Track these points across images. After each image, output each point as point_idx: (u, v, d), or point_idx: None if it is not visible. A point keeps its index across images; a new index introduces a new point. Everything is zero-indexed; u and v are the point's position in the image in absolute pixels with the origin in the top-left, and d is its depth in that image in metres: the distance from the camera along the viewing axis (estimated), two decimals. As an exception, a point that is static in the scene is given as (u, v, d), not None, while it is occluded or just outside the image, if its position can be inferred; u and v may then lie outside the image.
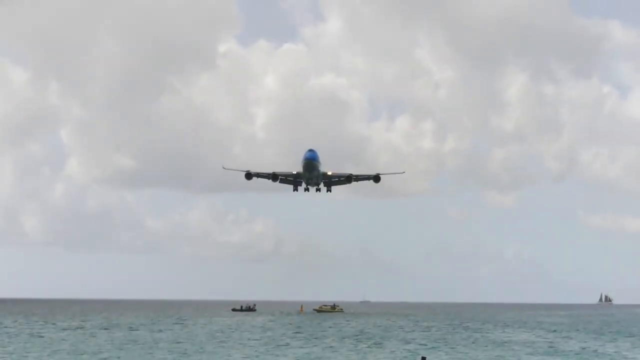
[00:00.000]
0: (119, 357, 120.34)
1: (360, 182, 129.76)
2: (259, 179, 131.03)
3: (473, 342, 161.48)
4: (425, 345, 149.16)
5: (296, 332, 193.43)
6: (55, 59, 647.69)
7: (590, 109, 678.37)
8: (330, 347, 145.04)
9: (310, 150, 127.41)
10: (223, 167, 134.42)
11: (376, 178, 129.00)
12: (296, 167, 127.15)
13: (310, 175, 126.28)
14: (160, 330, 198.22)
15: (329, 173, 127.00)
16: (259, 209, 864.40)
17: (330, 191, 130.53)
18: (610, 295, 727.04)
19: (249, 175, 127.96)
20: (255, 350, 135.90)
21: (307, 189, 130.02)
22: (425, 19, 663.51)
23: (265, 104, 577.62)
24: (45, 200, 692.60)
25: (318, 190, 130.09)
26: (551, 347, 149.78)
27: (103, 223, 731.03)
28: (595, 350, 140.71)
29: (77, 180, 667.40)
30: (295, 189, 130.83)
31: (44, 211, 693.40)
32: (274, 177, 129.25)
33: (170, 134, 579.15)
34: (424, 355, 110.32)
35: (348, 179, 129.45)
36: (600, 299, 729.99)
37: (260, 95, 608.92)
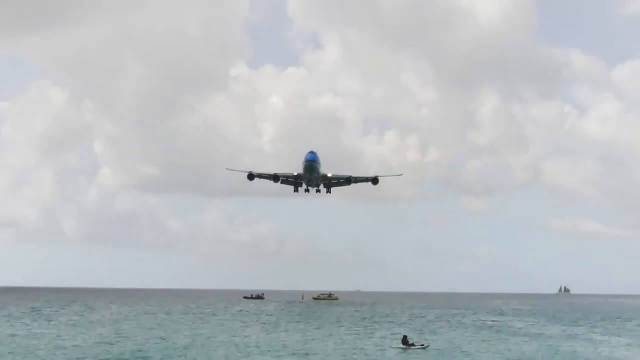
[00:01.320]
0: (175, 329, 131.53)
1: (358, 185, 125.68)
2: (261, 179, 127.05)
3: (448, 322, 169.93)
4: (409, 325, 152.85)
5: (297, 316, 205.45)
6: (90, 82, 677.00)
7: (553, 126, 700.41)
8: (327, 329, 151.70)
9: (312, 152, 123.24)
10: (226, 169, 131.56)
11: (375, 180, 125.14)
12: (297, 170, 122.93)
13: (311, 176, 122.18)
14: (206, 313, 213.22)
15: (329, 175, 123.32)
16: (265, 212, 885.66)
17: (330, 192, 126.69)
18: (568, 287, 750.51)
19: (251, 177, 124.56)
20: (263, 330, 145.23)
21: (307, 190, 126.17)
22: (410, 48, 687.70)
23: (271, 121, 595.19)
24: (81, 204, 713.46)
25: (318, 191, 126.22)
26: (511, 328, 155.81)
27: (130, 223, 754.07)
28: (564, 332, 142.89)
29: (108, 186, 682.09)
30: (296, 190, 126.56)
31: (80, 213, 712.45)
32: (275, 178, 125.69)
33: (188, 146, 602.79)
34: (405, 334, 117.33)
35: (347, 180, 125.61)
36: (560, 290, 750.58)
37: (267, 113, 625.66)
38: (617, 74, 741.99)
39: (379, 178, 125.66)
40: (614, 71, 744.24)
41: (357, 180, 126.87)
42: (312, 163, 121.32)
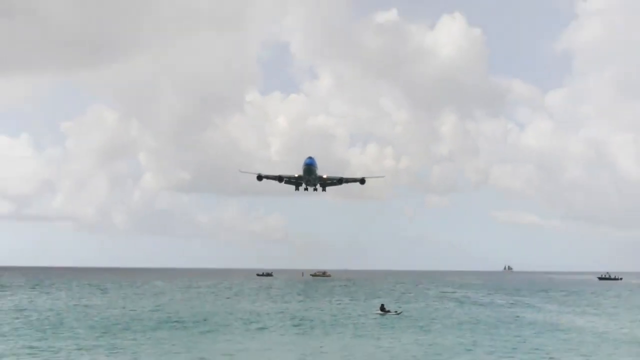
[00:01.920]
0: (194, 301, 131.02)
1: (348, 185, 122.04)
2: (268, 180, 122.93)
3: (417, 293, 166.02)
4: (386, 296, 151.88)
5: (298, 289, 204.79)
6: (135, 105, 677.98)
7: (498, 139, 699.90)
8: (321, 299, 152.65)
9: (310, 157, 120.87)
10: (239, 171, 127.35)
11: (362, 180, 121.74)
12: (298, 172, 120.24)
13: (309, 177, 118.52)
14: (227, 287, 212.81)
15: (324, 176, 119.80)
16: (273, 207, 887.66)
17: (325, 190, 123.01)
18: (511, 265, 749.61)
19: (259, 177, 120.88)
20: (271, 300, 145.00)
21: (306, 189, 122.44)
22: (387, 78, 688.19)
23: (277, 137, 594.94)
24: (128, 202, 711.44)
25: (315, 189, 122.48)
26: (467, 297, 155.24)
27: (167, 217, 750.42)
28: (507, 300, 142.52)
29: (149, 188, 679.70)
30: (297, 189, 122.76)
31: (127, 209, 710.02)
32: (279, 178, 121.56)
33: (212, 156, 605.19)
34: (382, 303, 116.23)
35: (339, 181, 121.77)
36: (504, 268, 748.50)
37: (274, 130, 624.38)
38: (549, 99, 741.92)
39: (366, 179, 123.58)
40: (547, 96, 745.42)
41: (348, 180, 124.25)
42: (310, 166, 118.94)
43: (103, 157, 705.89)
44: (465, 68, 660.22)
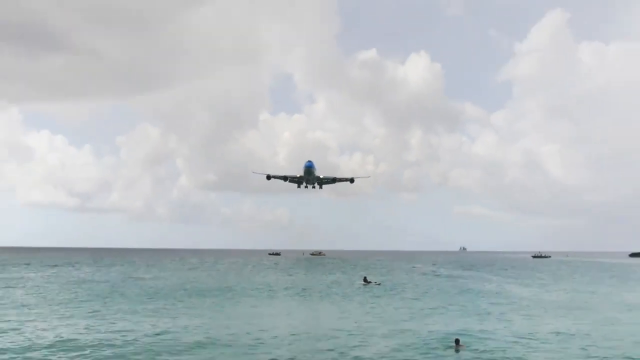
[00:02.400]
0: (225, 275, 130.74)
1: (341, 183, 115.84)
2: (276, 179, 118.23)
3: (393, 269, 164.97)
4: (368, 270, 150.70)
5: (300, 265, 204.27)
6: (173, 122, 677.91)
7: (455, 149, 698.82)
8: (318, 273, 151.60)
9: (309, 161, 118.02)
10: (253, 172, 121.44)
11: (351, 180, 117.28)
12: (300, 173, 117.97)
13: (309, 177, 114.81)
14: (245, 264, 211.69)
15: (321, 176, 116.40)
16: (280, 202, 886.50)
17: (322, 188, 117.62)
18: (465, 246, 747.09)
19: (268, 177, 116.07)
20: (280, 274, 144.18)
21: (306, 187, 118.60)
22: (369, 102, 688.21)
23: (284, 147, 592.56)
24: (168, 197, 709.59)
25: (313, 187, 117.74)
26: (432, 271, 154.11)
27: (198, 209, 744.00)
28: (462, 273, 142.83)
29: (184, 187, 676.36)
30: (299, 187, 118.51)
31: (167, 203, 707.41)
32: (285, 178, 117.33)
33: (233, 163, 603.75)
34: (365, 276, 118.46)
35: (333, 180, 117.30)
36: (460, 249, 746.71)
37: (281, 142, 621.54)
38: (493, 118, 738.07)
39: (355, 179, 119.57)
40: (492, 116, 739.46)
41: (340, 180, 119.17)
42: (309, 168, 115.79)
43: (148, 163, 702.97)
44: (429, 94, 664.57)
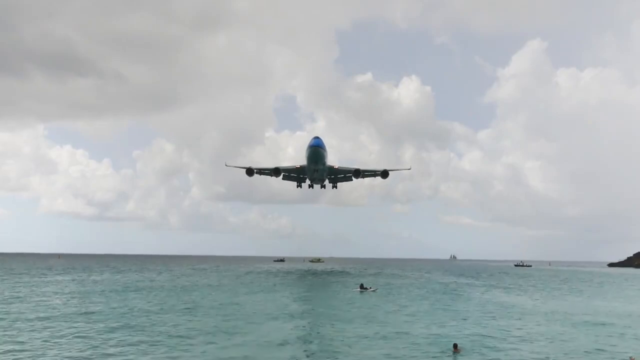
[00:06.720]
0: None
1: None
2: (262, 175, 73.06)
3: (388, 275, 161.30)
4: (364, 277, 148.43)
5: (301, 270, 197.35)
6: (186, 139, 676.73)
7: (444, 164, 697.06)
8: (316, 278, 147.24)
9: (316, 137, 67.32)
10: (225, 164, 78.00)
11: (384, 173, 71.21)
12: (302, 162, 69.47)
13: (316, 166, 67.82)
14: (243, 269, 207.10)
15: (336, 166, 69.63)
16: (284, 212, 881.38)
17: (336, 187, 68.84)
18: (455, 255, 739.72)
19: (250, 172, 72.07)
20: (284, 278, 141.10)
21: (311, 186, 70.73)
22: (365, 121, 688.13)
23: (288, 161, 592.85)
24: (181, 207, 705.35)
25: (323, 187, 71.03)
26: (424, 277, 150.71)
27: (209, 218, 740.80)
28: (453, 280, 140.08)
29: (196, 197, 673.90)
30: (299, 185, 72.72)
31: (180, 212, 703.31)
32: (276, 171, 71.31)
33: (240, 176, 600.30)
34: (362, 282, 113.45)
35: (356, 173, 71.14)
36: (450, 257, 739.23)
37: (285, 157, 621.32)
38: (479, 136, 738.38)
39: (389, 171, 69.61)
40: (478, 134, 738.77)
41: (365, 173, 72.89)
42: (317, 148, 67.01)
43: (163, 175, 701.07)
44: (420, 114, 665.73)
